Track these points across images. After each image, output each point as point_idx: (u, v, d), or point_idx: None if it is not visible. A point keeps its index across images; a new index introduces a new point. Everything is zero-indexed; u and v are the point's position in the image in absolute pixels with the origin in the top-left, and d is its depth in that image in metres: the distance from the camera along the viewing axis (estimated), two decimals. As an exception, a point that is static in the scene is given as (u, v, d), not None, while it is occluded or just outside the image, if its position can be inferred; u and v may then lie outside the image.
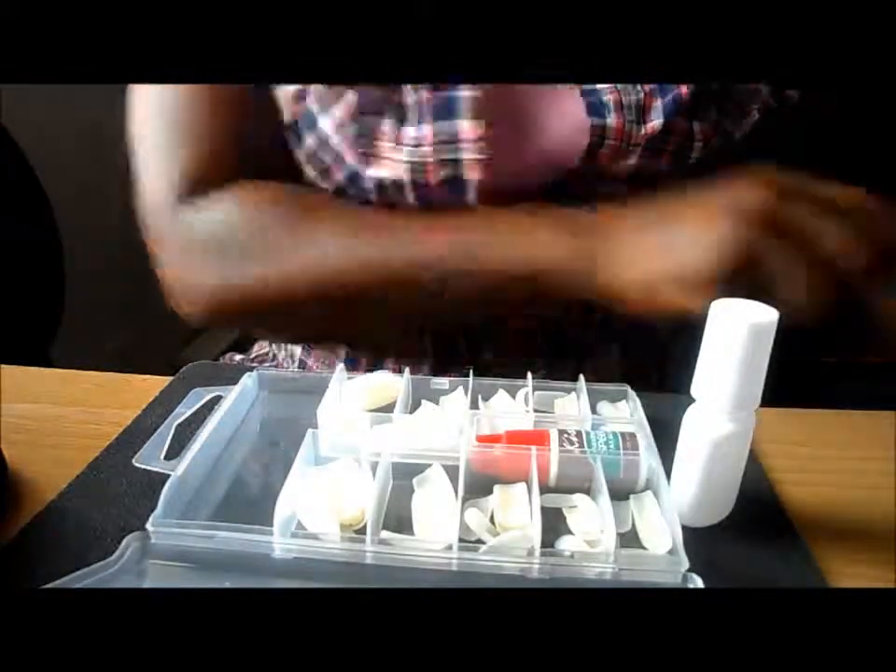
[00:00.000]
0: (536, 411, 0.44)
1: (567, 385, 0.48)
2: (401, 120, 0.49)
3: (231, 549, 0.35)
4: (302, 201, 0.52)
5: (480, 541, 0.36)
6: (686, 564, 0.33)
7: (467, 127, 0.48)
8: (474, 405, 0.46)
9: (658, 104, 0.49)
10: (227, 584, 0.34)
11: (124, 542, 0.35)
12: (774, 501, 0.41)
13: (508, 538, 0.35)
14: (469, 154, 0.49)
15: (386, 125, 0.50)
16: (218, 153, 0.54)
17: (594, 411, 0.46)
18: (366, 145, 0.50)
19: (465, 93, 0.48)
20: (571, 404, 0.47)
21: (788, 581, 0.35)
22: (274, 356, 0.68)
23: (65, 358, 0.76)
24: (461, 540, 0.35)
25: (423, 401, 0.47)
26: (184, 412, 0.46)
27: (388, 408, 0.44)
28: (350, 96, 0.50)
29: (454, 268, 0.48)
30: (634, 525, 0.38)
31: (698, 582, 0.33)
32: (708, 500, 0.38)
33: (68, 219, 0.88)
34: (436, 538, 0.36)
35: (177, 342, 0.80)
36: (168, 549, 0.35)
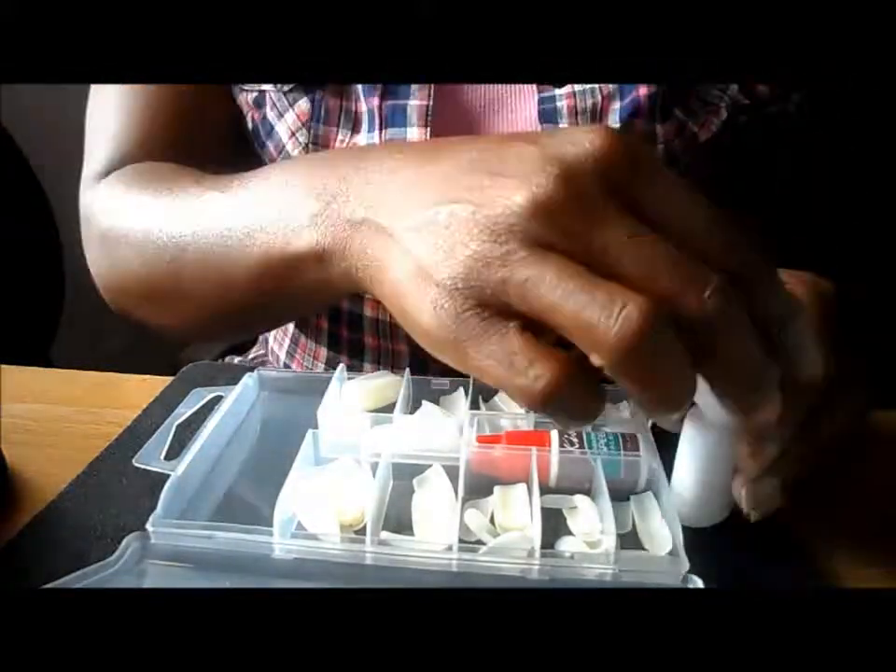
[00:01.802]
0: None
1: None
2: (354, 129, 0.50)
3: (231, 549, 0.35)
4: (182, 180, 0.47)
5: (480, 542, 0.35)
6: (687, 565, 0.33)
7: (416, 135, 0.48)
8: (475, 405, 0.46)
9: (616, 106, 0.49)
10: (227, 584, 0.34)
11: (124, 542, 0.35)
12: (774, 502, 0.41)
13: (508, 538, 0.35)
14: None
15: (339, 133, 0.50)
16: (139, 140, 0.53)
17: (594, 411, 0.46)
18: (318, 152, 0.51)
19: (415, 102, 0.49)
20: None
21: (788, 582, 0.35)
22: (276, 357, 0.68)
23: (65, 358, 0.76)
24: (461, 541, 0.34)
25: (423, 402, 0.47)
26: (184, 412, 0.46)
27: (388, 408, 0.44)
28: (303, 104, 0.50)
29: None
30: (634, 526, 0.38)
31: (698, 584, 0.33)
32: (709, 501, 0.38)
33: (68, 219, 0.88)
34: (436, 538, 0.36)
35: (177, 342, 0.80)
36: (168, 549, 0.35)
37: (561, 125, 0.48)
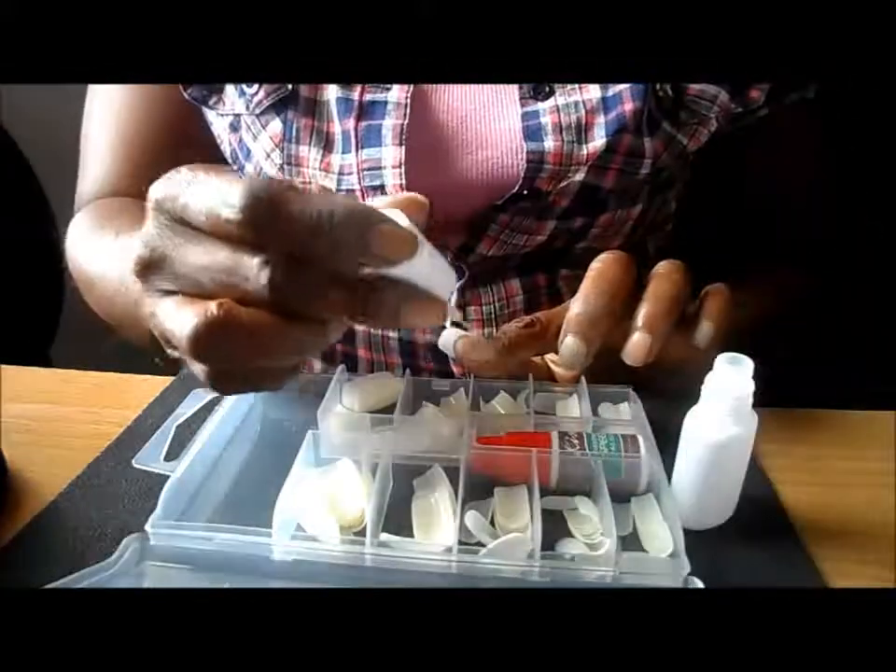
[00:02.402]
0: (537, 412, 0.44)
1: (569, 386, 0.48)
2: (326, 149, 0.50)
3: (231, 550, 0.35)
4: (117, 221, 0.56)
5: (480, 544, 0.35)
6: (687, 567, 0.33)
7: (391, 154, 0.48)
8: (475, 406, 0.46)
9: (601, 121, 0.48)
10: (226, 586, 0.34)
11: (123, 543, 0.35)
12: (774, 501, 0.41)
13: (508, 540, 0.35)
14: (393, 180, 0.49)
15: (312, 153, 0.50)
16: (119, 173, 0.60)
17: (595, 412, 0.46)
18: (292, 172, 0.51)
19: (390, 121, 0.49)
20: (572, 406, 0.47)
21: (787, 582, 0.35)
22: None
23: (65, 358, 0.76)
24: (461, 543, 0.34)
25: (424, 403, 0.47)
26: (184, 412, 0.46)
27: (389, 409, 0.44)
28: (275, 125, 0.51)
29: None
30: (635, 527, 0.38)
31: (699, 586, 0.33)
32: (710, 503, 0.38)
33: (68, 219, 0.88)
34: (436, 540, 0.36)
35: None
36: (167, 550, 0.35)
37: (546, 143, 0.48)
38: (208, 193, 0.28)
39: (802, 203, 0.60)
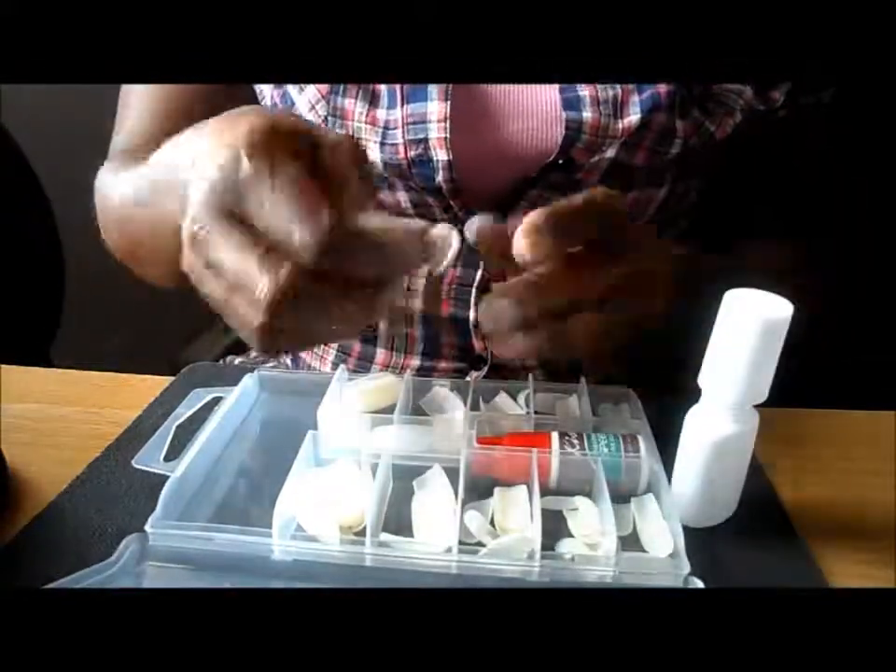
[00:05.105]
0: (537, 413, 0.44)
1: (569, 386, 0.48)
2: (372, 103, 0.51)
3: (230, 551, 0.35)
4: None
5: (480, 544, 0.35)
6: (687, 567, 0.33)
7: (436, 108, 0.49)
8: (475, 407, 0.46)
9: (636, 99, 0.49)
10: (226, 586, 0.34)
11: (123, 543, 0.35)
12: (774, 501, 0.41)
13: (508, 540, 0.35)
14: (437, 133, 0.49)
15: (357, 106, 0.51)
16: (149, 132, 0.57)
17: (595, 413, 0.46)
18: (337, 125, 0.52)
19: None
20: (573, 406, 0.47)
21: (788, 582, 0.35)
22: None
23: (65, 358, 0.76)
24: (461, 543, 0.34)
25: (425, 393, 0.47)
26: (184, 412, 0.46)
27: (389, 409, 0.44)
28: None
29: None
30: (635, 527, 0.38)
31: (699, 586, 0.33)
32: (711, 501, 0.38)
33: (68, 219, 0.88)
34: (436, 540, 0.36)
35: (177, 342, 0.80)
36: (167, 550, 0.35)
37: (584, 114, 0.49)
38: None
39: (811, 198, 0.60)
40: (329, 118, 0.52)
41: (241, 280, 0.30)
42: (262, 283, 0.29)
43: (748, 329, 0.33)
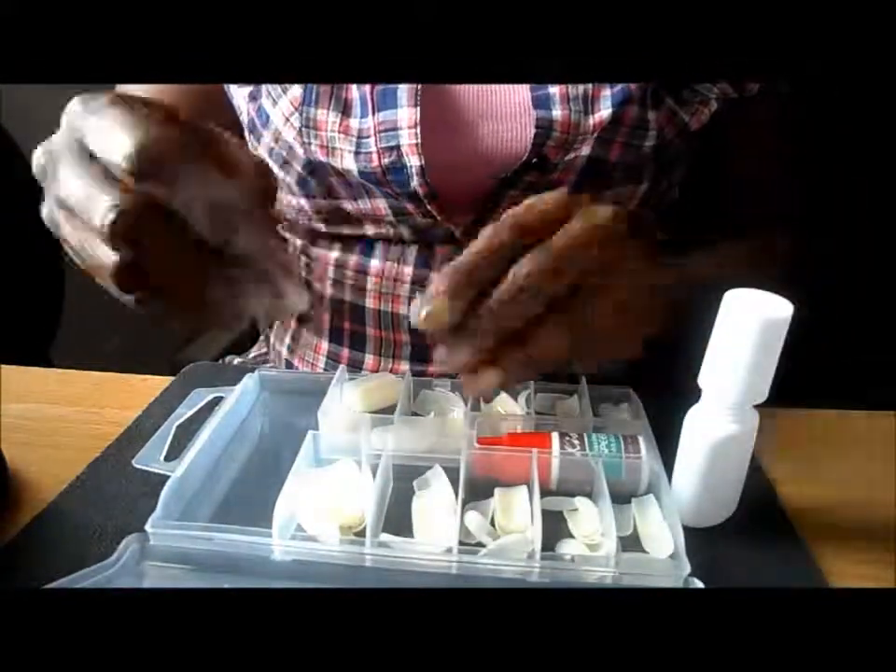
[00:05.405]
0: (537, 413, 0.44)
1: (569, 387, 0.48)
2: (344, 112, 0.51)
3: (230, 551, 0.35)
4: None
5: (480, 544, 0.35)
6: (688, 568, 0.33)
7: (406, 115, 0.49)
8: (475, 407, 0.46)
9: (607, 93, 0.49)
10: (226, 586, 0.34)
11: (123, 543, 0.35)
12: (774, 501, 0.41)
13: (508, 541, 0.35)
14: (408, 140, 0.49)
15: (330, 116, 0.51)
16: None
17: (596, 413, 0.46)
18: (311, 135, 0.52)
19: (405, 84, 0.50)
20: (573, 406, 0.47)
21: (788, 582, 0.35)
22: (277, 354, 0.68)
23: (65, 358, 0.76)
24: (461, 543, 0.34)
25: (423, 391, 0.47)
26: (184, 412, 0.46)
27: (389, 409, 0.44)
28: (295, 90, 0.52)
29: None
30: (635, 528, 0.38)
31: (699, 586, 0.33)
32: (711, 501, 0.38)
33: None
34: (436, 540, 0.36)
35: (177, 342, 0.80)
36: (167, 550, 0.35)
37: (554, 112, 0.49)
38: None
39: (780, 186, 0.60)
40: (304, 129, 0.52)
41: (87, 211, 0.30)
42: (103, 205, 0.29)
43: (747, 329, 0.33)
